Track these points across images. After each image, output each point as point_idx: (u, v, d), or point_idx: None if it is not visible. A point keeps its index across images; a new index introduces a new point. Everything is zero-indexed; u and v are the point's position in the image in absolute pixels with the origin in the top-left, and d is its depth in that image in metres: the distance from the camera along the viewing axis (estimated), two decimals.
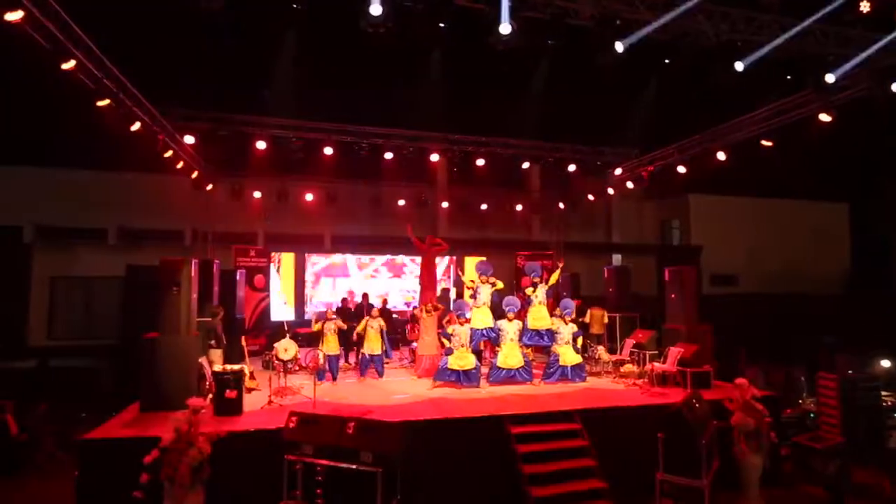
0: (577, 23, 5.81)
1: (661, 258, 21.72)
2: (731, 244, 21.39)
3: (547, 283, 10.37)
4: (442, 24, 5.42)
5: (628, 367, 10.32)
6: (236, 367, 7.84)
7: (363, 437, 5.88)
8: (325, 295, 15.97)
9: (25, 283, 13.99)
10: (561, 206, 17.30)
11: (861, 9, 6.49)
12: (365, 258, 16.55)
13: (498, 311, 10.35)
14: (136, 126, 8.97)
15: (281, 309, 14.74)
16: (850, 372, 10.49)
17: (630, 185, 13.49)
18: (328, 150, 11.59)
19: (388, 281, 16.78)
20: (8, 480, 8.96)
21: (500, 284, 10.30)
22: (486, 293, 10.13)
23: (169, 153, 10.66)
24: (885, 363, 13.50)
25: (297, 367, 9.42)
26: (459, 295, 16.87)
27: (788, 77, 6.58)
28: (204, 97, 10.10)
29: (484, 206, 16.73)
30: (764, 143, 9.59)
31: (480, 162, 12.47)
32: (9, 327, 13.57)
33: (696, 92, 8.28)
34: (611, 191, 14.56)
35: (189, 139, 10.72)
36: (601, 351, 10.82)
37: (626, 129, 12.10)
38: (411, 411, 7.85)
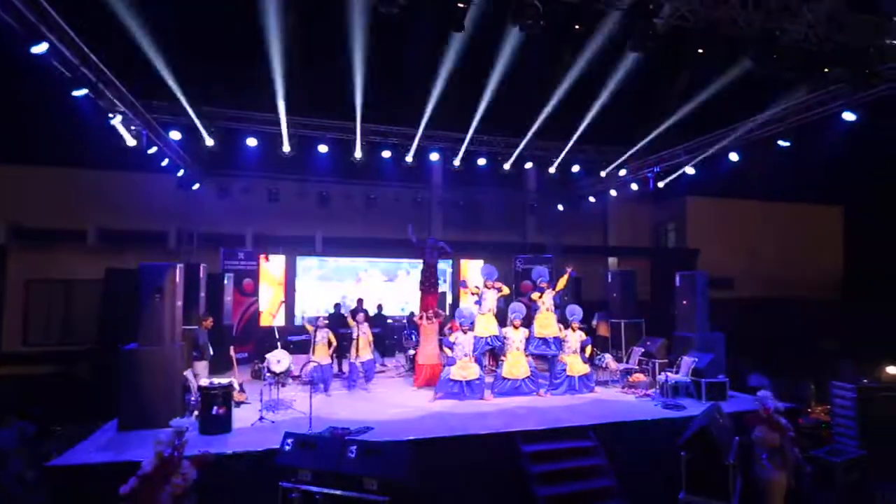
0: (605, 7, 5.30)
1: (656, 261, 21.52)
2: (728, 247, 21.18)
3: (555, 288, 9.87)
4: (461, 4, 4.88)
5: (637, 377, 9.86)
6: (225, 380, 7.24)
7: (367, 462, 5.31)
8: (317, 299, 15.37)
9: None
10: (560, 207, 16.88)
11: None
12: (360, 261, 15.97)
13: (501, 318, 9.86)
14: (116, 119, 8.32)
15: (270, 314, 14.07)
16: (864, 381, 10.13)
17: (634, 186, 13.06)
18: (323, 148, 10.99)
19: (383, 285, 16.23)
20: None
21: (506, 290, 9.78)
22: (491, 299, 9.60)
23: (153, 150, 10.01)
24: (892, 369, 13.18)
25: (290, 380, 8.81)
26: (456, 300, 16.37)
27: (826, 70, 6.17)
28: (191, 90, 9.45)
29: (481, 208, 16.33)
30: (781, 143, 9.22)
31: (482, 161, 11.96)
32: None
33: (717, 87, 7.82)
34: (613, 192, 14.14)
35: (175, 135, 10.06)
36: (609, 359, 10.34)
37: (634, 127, 11.61)
38: (414, 427, 7.30)
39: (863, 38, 6.04)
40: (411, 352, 11.75)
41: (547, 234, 18.39)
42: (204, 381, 7.08)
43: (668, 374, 9.25)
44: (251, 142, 10.68)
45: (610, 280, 12.28)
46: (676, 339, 10.21)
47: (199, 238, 14.06)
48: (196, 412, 7.03)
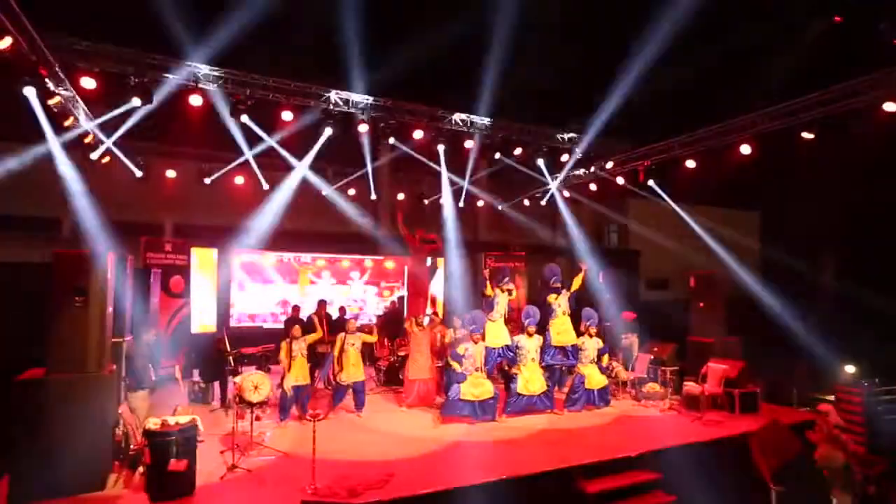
0: None
1: (599, 261, 21.27)
2: (662, 248, 21.44)
3: (570, 289, 8.61)
4: None
5: (652, 387, 8.86)
6: (184, 417, 5.12)
7: None
8: (256, 303, 13.03)
9: None
10: (526, 203, 15.80)
11: None
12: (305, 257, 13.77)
13: None
14: (5, 43, 5.78)
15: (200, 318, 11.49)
16: (865, 384, 9.94)
17: (621, 180, 12.26)
18: (287, 116, 8.85)
19: (332, 287, 14.07)
20: None
21: (515, 292, 8.39)
22: (503, 303, 8.14)
23: (55, 100, 7.38)
24: (850, 369, 13.46)
25: (269, 410, 6.74)
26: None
27: None
28: (110, 27, 7.03)
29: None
30: (805, 135, 8.64)
31: (469, 144, 10.48)
32: None
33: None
34: (593, 186, 13.30)
35: (88, 83, 7.46)
36: (618, 368, 9.28)
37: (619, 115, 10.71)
38: (444, 468, 5.66)
39: None
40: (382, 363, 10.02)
41: (498, 231, 17.31)
42: (153, 421, 4.91)
43: (697, 384, 8.29)
44: (195, 100, 8.25)
45: (601, 279, 11.31)
46: (692, 345, 9.37)
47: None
48: (140, 469, 4.87)
